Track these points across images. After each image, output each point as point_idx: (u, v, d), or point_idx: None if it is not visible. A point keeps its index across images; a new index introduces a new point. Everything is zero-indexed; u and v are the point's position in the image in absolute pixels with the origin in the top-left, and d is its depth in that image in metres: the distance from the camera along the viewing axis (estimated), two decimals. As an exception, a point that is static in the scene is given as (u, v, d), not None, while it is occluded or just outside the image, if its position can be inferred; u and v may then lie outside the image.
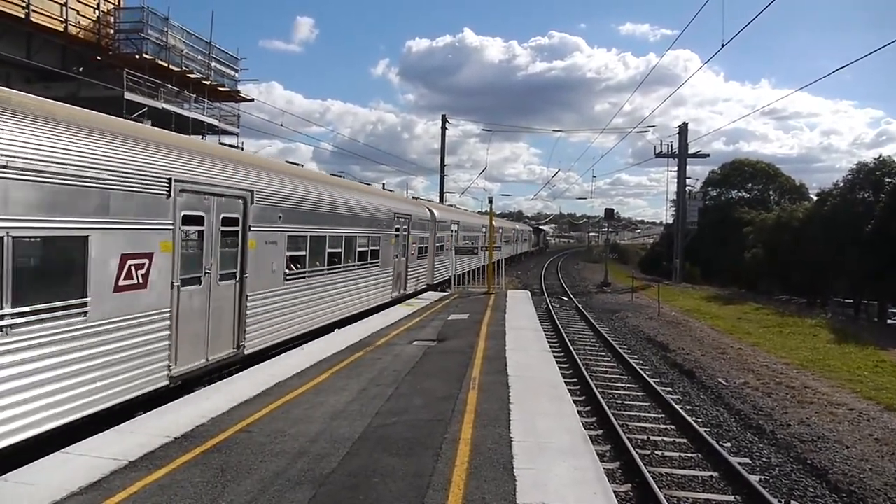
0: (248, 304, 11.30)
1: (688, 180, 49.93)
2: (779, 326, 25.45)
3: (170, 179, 8.98)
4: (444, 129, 48.36)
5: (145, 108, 23.43)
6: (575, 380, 14.41)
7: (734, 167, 63.54)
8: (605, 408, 11.92)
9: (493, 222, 30.73)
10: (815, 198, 48.60)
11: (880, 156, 39.37)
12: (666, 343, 20.71)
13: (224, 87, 30.59)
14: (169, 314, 9.06)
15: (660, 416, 12.31)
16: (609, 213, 60.23)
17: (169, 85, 26.50)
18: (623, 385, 14.66)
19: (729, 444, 10.82)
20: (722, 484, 8.97)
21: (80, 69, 24.04)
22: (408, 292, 23.14)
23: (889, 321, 37.34)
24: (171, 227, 9.05)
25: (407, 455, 6.76)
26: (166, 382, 9.05)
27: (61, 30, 23.02)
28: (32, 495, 5.55)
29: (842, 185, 40.67)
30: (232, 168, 11.14)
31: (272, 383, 9.76)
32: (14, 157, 6.60)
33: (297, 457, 6.67)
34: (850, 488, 9.10)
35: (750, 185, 62.92)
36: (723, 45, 19.89)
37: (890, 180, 37.13)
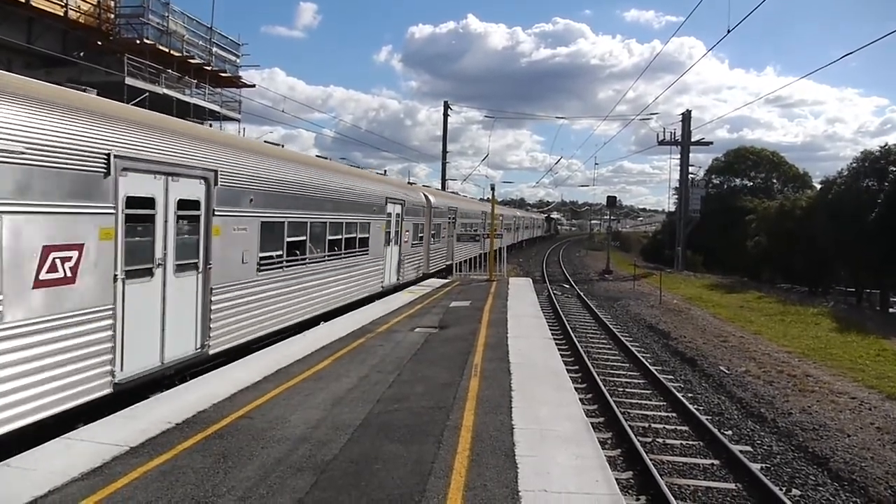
0: (455, 248, 25.75)
1: (691, 168, 49.79)
2: (781, 315, 25.44)
3: (452, 209, 25.78)
4: (446, 115, 48.14)
5: (146, 94, 23.34)
6: (577, 367, 14.41)
7: (738, 155, 63.22)
8: (607, 395, 11.92)
9: (518, 212, 40.18)
10: (818, 186, 48.42)
11: (886, 144, 39.13)
12: (667, 331, 20.69)
13: (225, 72, 30.46)
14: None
15: (661, 403, 12.31)
16: (611, 200, 59.84)
17: (170, 70, 26.37)
18: (625, 373, 14.65)
19: (730, 432, 10.83)
20: (723, 472, 8.97)
21: (81, 54, 23.91)
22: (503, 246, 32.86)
23: (891, 310, 37.32)
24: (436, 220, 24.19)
25: (408, 442, 6.76)
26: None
27: (62, 14, 22.88)
28: (34, 481, 5.55)
29: (846, 173, 40.48)
30: (476, 204, 32.83)
31: (274, 369, 9.75)
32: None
33: (299, 443, 6.66)
34: (851, 477, 9.10)
35: (753, 173, 62.65)
36: (729, 31, 19.74)
37: (895, 169, 36.91)
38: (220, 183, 9.97)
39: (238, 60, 31.71)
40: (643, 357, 16.03)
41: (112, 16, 25.17)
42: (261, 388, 8.70)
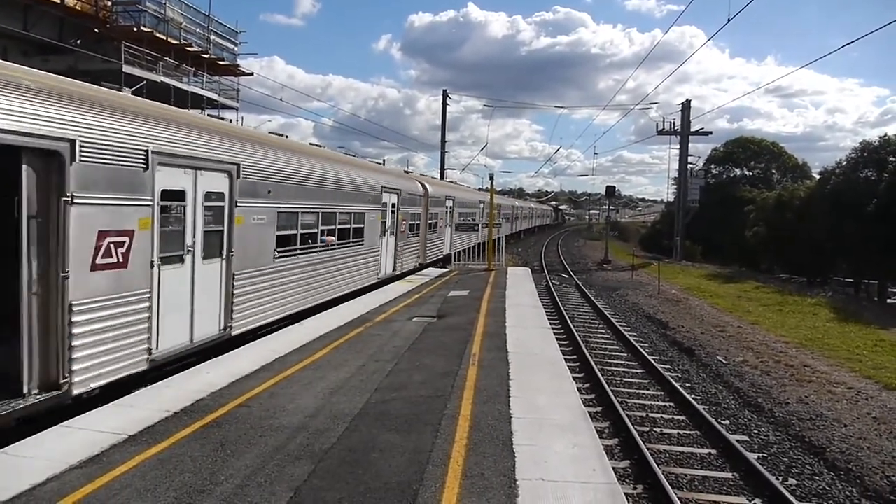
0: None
1: (690, 158, 49.64)
2: (779, 305, 25.47)
3: (500, 204, 39.90)
4: (444, 104, 48.01)
5: (144, 82, 23.22)
6: (574, 356, 14.42)
7: (737, 145, 63.04)
8: (605, 384, 11.94)
9: (532, 203, 48.80)
10: (817, 177, 48.32)
11: (885, 135, 38.99)
12: (665, 321, 20.72)
13: (223, 60, 30.30)
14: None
15: (659, 393, 12.34)
16: (610, 190, 59.73)
17: (167, 58, 26.23)
18: (622, 362, 14.68)
19: (727, 422, 10.85)
20: (720, 461, 9.01)
21: (78, 42, 23.76)
22: (523, 229, 44.62)
23: (889, 300, 37.35)
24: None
25: (406, 431, 6.77)
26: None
27: (58, 1, 22.71)
28: (32, 468, 5.56)
29: (845, 163, 40.37)
30: (509, 200, 54.92)
31: (272, 358, 9.77)
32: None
33: (297, 432, 6.67)
34: (847, 466, 9.14)
35: (753, 163, 62.52)
36: (729, 20, 19.55)
37: (894, 159, 36.80)
38: (456, 203, 27.51)
39: (236, 48, 31.56)
40: (641, 346, 16.05)
41: (109, 3, 24.98)
42: (258, 377, 8.72)
